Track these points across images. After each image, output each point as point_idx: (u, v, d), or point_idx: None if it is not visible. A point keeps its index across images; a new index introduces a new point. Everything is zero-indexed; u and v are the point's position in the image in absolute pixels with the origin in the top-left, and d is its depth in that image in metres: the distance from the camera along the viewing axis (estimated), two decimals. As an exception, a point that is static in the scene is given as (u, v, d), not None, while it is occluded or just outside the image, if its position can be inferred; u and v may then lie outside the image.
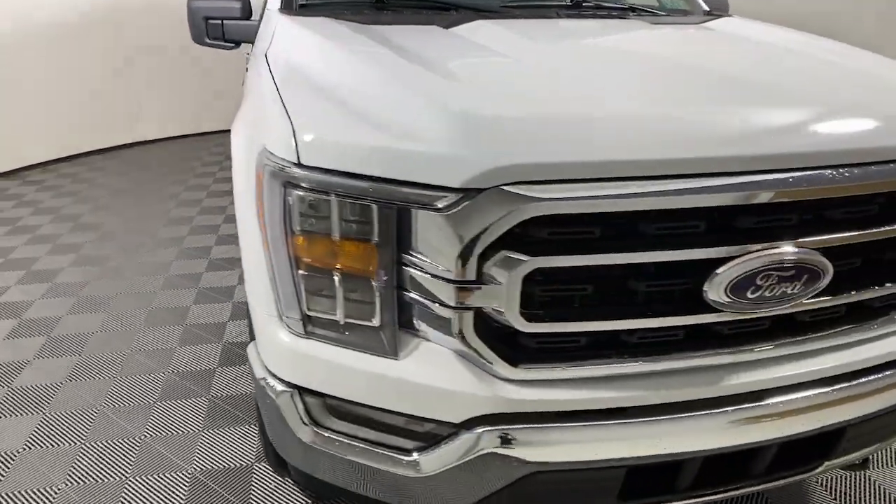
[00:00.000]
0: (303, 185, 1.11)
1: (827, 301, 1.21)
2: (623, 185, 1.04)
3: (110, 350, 2.68)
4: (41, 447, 2.11)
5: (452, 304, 1.09)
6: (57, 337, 2.77)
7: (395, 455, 1.22)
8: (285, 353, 1.25)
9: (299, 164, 1.11)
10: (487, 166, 1.01)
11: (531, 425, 1.16)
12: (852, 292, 1.23)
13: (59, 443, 2.12)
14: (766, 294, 1.14)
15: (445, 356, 1.17)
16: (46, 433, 2.17)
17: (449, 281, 1.08)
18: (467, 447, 1.16)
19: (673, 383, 1.19)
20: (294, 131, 1.13)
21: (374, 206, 1.09)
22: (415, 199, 1.05)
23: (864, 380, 1.30)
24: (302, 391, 1.26)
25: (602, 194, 1.03)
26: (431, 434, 1.21)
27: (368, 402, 1.22)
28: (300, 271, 1.18)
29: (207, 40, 2.11)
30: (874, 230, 1.19)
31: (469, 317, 1.10)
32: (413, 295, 1.15)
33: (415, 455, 1.21)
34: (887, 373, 1.32)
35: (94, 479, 1.96)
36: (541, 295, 1.12)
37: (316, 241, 1.15)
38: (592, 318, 1.12)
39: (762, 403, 1.23)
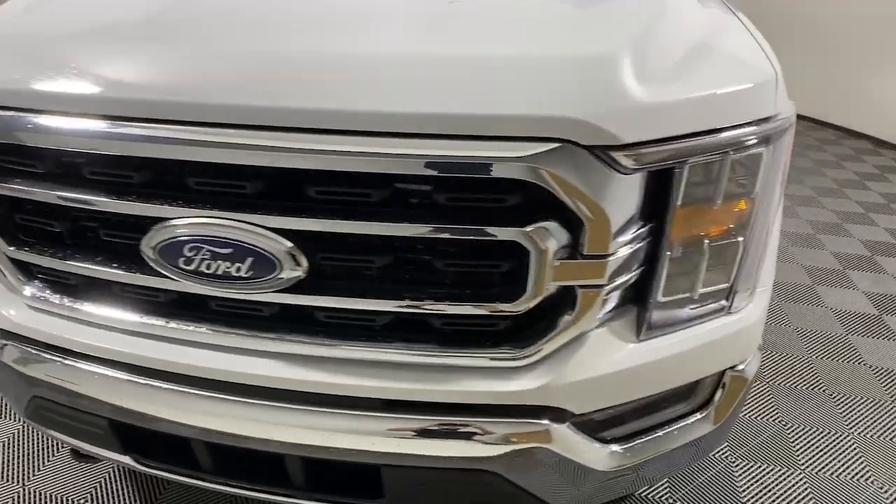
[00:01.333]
0: None
1: (302, 299, 0.98)
2: (50, 119, 0.98)
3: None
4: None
5: None
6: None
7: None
8: None
9: None
10: None
11: (30, 349, 1.18)
12: (353, 297, 0.98)
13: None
14: (205, 269, 0.97)
15: None
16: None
17: None
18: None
19: (154, 347, 1.09)
20: None
21: None
22: None
23: (398, 415, 1.03)
24: None
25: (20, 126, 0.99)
26: None
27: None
28: None
29: None
30: (365, 222, 0.92)
31: None
32: None
33: None
34: (427, 417, 1.03)
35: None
36: (24, 222, 1.12)
37: None
38: (54, 255, 1.09)
39: (247, 400, 1.06)
